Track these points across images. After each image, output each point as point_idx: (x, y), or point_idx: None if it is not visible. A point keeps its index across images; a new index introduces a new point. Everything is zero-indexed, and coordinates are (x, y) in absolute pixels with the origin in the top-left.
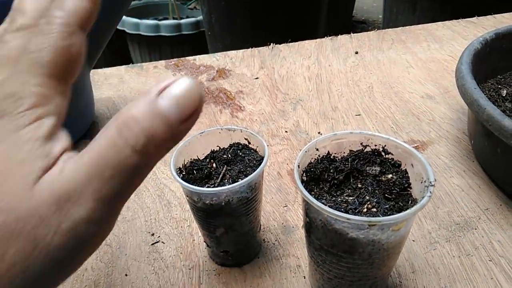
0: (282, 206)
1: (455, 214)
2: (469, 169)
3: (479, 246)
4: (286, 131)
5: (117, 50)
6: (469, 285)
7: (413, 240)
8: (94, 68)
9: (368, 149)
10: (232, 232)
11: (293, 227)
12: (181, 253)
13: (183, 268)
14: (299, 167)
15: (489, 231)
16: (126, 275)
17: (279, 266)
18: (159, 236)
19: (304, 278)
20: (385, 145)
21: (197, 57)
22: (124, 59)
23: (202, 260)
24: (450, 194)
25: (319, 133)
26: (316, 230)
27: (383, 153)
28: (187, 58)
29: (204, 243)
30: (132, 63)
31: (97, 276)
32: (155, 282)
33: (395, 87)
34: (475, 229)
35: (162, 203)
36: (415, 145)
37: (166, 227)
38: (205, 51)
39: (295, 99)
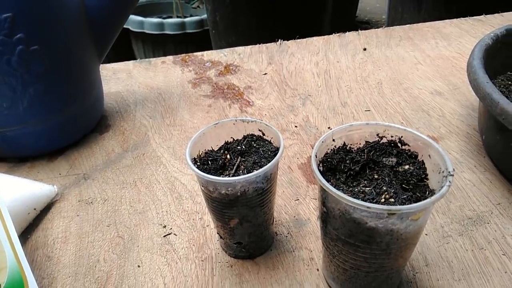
0: (294, 199)
1: (467, 209)
2: (480, 165)
3: (492, 240)
4: (296, 126)
5: (121, 48)
6: (483, 278)
7: (426, 234)
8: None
9: (384, 140)
10: (246, 223)
11: (305, 220)
12: (193, 245)
13: (196, 260)
14: (316, 157)
15: (501, 225)
16: (138, 266)
17: (292, 259)
18: (171, 228)
19: (318, 270)
20: (401, 136)
21: (204, 52)
22: (128, 57)
23: (215, 252)
24: (462, 189)
25: (329, 128)
26: (333, 220)
27: (399, 144)
28: (194, 53)
29: (217, 234)
30: None
31: (109, 267)
32: (168, 273)
33: (404, 83)
34: (488, 223)
35: (173, 195)
36: None
37: (178, 219)
38: (209, 50)
39: (304, 95)
